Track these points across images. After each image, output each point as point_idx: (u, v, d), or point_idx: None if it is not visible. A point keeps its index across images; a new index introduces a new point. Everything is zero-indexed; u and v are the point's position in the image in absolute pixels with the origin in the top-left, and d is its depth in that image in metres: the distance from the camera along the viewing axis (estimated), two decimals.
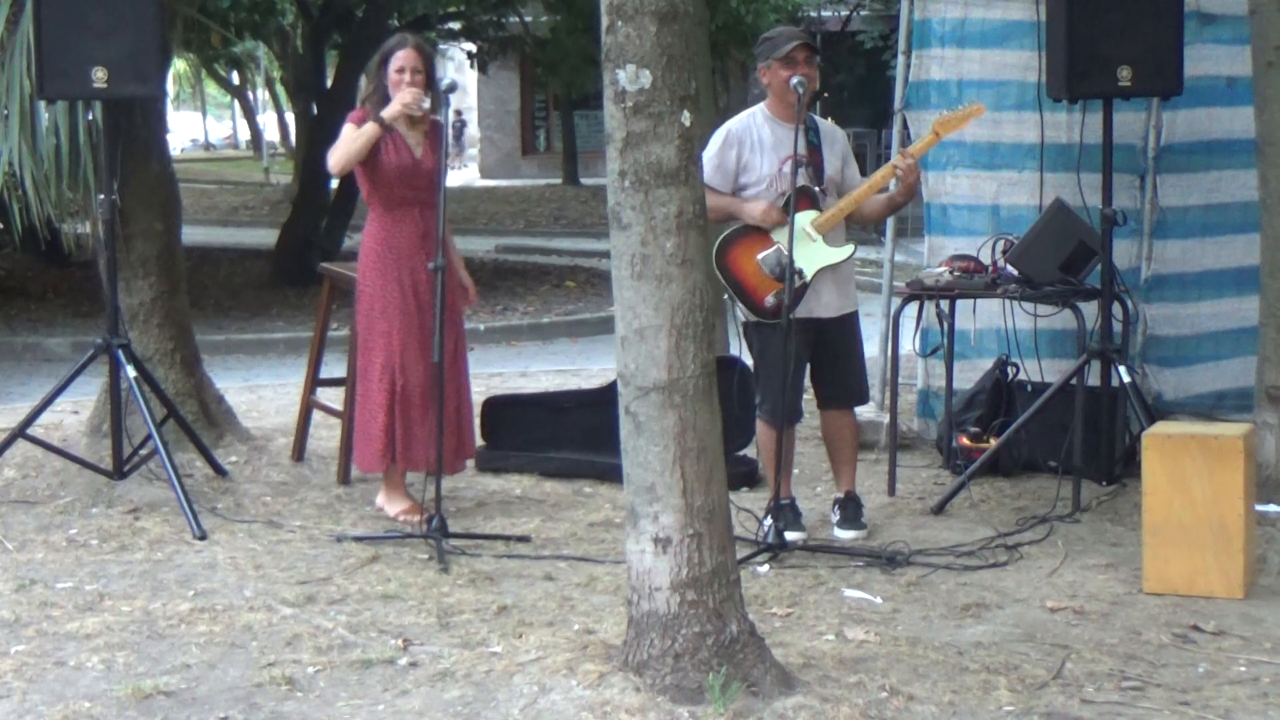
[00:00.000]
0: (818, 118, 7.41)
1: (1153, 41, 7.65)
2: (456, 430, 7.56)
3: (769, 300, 7.17)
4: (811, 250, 7.12)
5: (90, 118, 7.93)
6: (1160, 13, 7.68)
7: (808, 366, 7.40)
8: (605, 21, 5.07)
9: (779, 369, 7.10)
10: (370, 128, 7.33)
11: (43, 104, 7.99)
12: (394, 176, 7.41)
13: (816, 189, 7.21)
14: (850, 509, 7.41)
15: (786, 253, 6.96)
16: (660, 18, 5.00)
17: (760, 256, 7.19)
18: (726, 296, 7.38)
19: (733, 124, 7.37)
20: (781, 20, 20.93)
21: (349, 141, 7.38)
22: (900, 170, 7.20)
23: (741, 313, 7.32)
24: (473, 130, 41.29)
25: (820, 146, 7.28)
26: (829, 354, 7.37)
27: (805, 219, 7.12)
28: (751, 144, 7.26)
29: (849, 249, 7.25)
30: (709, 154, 7.18)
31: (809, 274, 7.11)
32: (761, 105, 7.36)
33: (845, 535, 7.30)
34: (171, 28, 8.53)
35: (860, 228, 7.52)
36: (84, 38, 7.45)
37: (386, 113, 7.32)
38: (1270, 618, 6.09)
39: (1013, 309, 8.28)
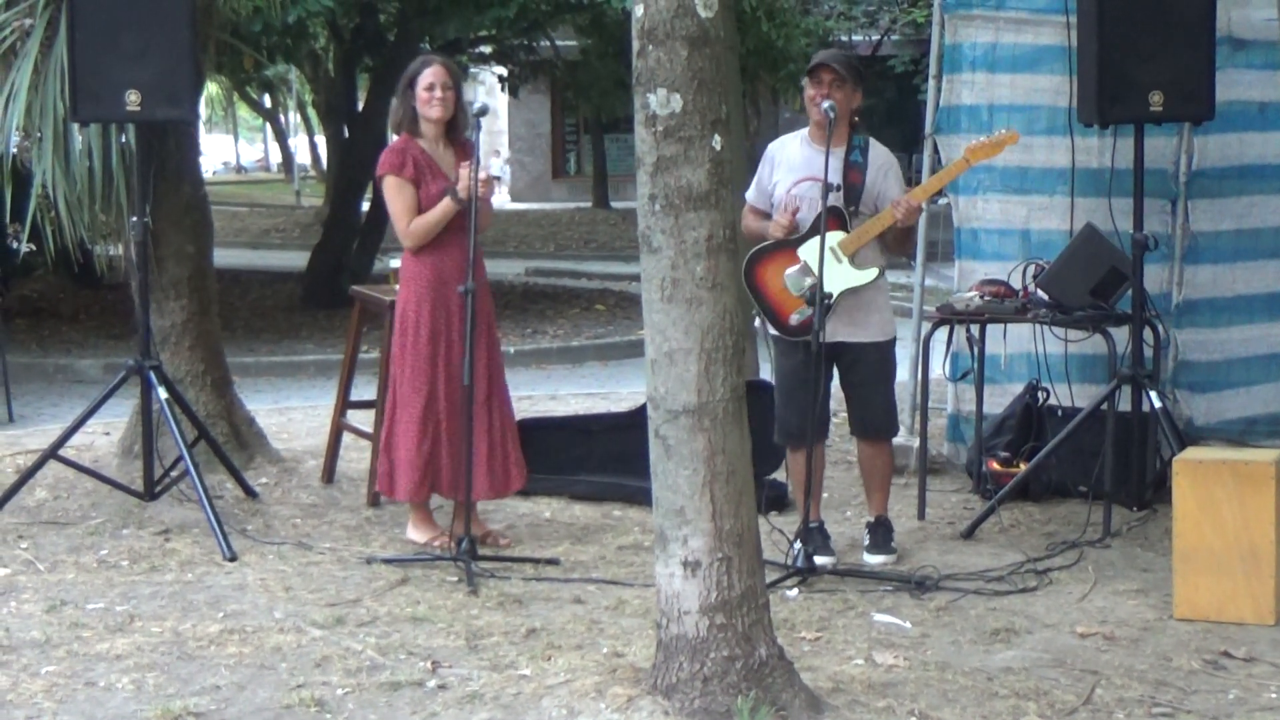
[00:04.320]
0: (872, 140, 7.38)
1: (1184, 67, 7.62)
2: (503, 454, 7.60)
3: (793, 318, 7.19)
4: (837, 271, 7.11)
5: (123, 140, 7.97)
6: (1192, 38, 7.65)
7: (832, 389, 7.41)
8: (636, 46, 5.09)
9: (789, 389, 7.13)
10: (445, 204, 7.32)
11: (76, 127, 8.03)
12: (436, 204, 7.41)
13: (849, 210, 7.20)
14: (880, 534, 7.40)
15: (813, 274, 7.00)
16: (691, 42, 5.01)
17: (787, 273, 7.20)
18: (755, 313, 7.39)
19: (774, 144, 7.46)
20: (812, 44, 20.97)
21: (429, 221, 7.36)
22: (899, 215, 7.17)
23: (764, 326, 7.34)
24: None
25: (865, 165, 7.27)
26: (852, 381, 7.38)
27: (832, 239, 7.12)
28: (779, 162, 7.34)
29: (873, 272, 7.23)
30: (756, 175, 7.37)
31: (833, 295, 7.10)
32: (805, 130, 7.38)
33: (874, 560, 7.28)
34: (204, 51, 8.57)
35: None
36: (117, 61, 7.49)
37: (460, 187, 7.29)
38: None
39: (1043, 334, 8.26)
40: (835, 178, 7.11)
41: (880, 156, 7.35)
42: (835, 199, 7.14)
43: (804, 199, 7.18)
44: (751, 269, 7.25)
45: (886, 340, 7.37)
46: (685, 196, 5.05)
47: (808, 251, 7.13)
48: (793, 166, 7.26)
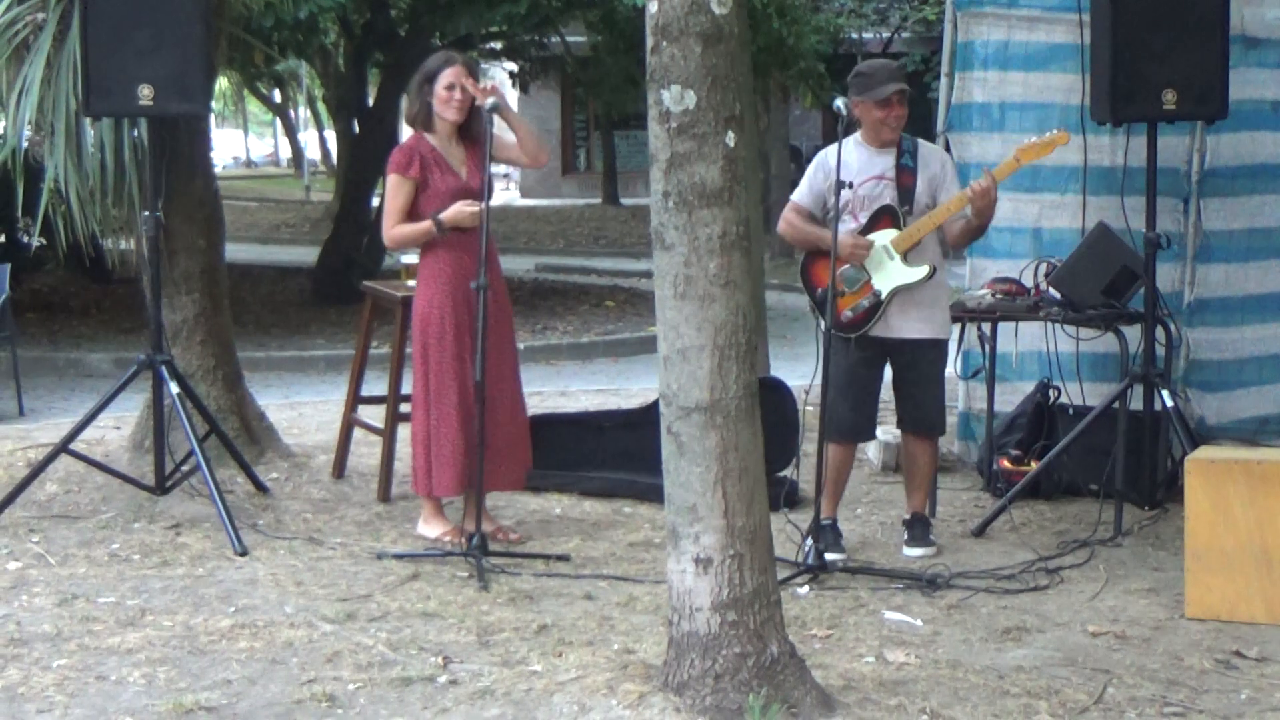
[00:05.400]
0: (920, 140, 7.46)
1: (1197, 65, 7.62)
2: (523, 444, 7.65)
3: (846, 314, 7.23)
4: (889, 269, 7.18)
5: (135, 135, 7.96)
6: (1205, 37, 7.64)
7: (879, 388, 7.44)
8: (650, 42, 5.08)
9: (843, 386, 7.17)
10: (426, 225, 7.33)
11: (88, 121, 8.03)
12: (447, 201, 7.36)
13: (902, 209, 7.24)
14: (918, 529, 7.42)
15: (865, 271, 7.19)
16: (705, 39, 5.01)
17: (840, 270, 7.20)
18: (812, 310, 7.42)
19: (826, 150, 7.47)
20: (823, 42, 20.96)
21: (409, 232, 7.41)
22: (972, 194, 7.17)
23: (819, 324, 7.37)
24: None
25: (915, 169, 7.32)
26: (903, 377, 7.43)
27: (885, 237, 7.18)
28: (838, 166, 7.32)
29: (924, 269, 7.24)
30: (804, 177, 7.45)
31: (884, 293, 7.20)
32: (857, 134, 7.40)
33: (914, 553, 7.31)
34: (216, 46, 8.57)
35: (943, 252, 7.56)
36: (130, 55, 7.48)
37: (445, 216, 7.31)
38: None
39: (1055, 332, 8.25)
40: (889, 179, 7.25)
41: (931, 156, 7.44)
42: (888, 197, 7.23)
43: (870, 198, 7.25)
44: (807, 267, 7.36)
45: (945, 339, 7.42)
46: (699, 193, 5.04)
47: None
48: (852, 170, 7.25)
